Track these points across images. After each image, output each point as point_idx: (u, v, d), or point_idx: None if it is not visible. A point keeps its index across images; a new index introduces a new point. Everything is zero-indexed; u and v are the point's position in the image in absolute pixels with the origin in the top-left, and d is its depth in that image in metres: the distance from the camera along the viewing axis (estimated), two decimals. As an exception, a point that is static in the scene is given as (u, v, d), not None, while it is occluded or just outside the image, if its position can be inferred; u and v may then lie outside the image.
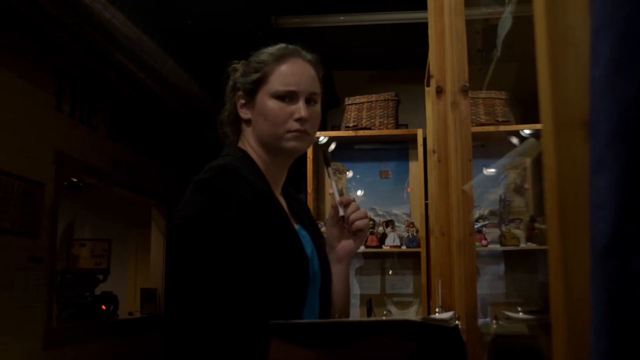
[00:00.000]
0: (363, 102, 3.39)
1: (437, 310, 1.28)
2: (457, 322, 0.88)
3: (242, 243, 0.97)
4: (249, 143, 1.16)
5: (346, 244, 1.18)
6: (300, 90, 1.13)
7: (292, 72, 1.14)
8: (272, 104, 1.12)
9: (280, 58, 1.15)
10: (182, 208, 1.01)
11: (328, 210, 3.41)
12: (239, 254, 0.97)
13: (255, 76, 1.14)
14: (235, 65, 1.22)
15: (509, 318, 1.00)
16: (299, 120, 1.11)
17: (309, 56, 1.20)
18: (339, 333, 0.88)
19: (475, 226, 2.46)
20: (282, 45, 1.20)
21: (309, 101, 1.14)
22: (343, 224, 1.17)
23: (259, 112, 1.13)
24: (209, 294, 0.94)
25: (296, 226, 1.18)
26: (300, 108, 1.11)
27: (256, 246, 0.99)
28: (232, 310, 0.95)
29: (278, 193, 1.22)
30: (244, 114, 1.16)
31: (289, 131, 1.12)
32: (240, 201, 0.99)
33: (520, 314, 1.03)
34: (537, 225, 3.06)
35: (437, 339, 0.86)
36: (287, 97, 1.12)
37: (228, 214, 0.97)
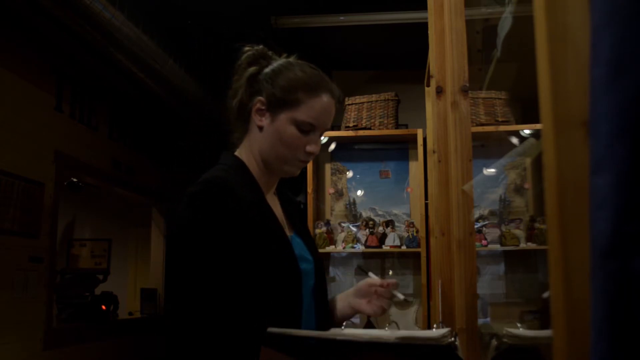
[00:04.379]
0: (363, 102, 3.39)
1: (434, 326, 1.29)
2: (452, 339, 0.88)
3: (230, 251, 1.02)
4: (251, 148, 1.17)
5: (362, 306, 1.25)
6: (321, 126, 1.16)
7: (321, 109, 1.15)
8: (292, 131, 1.13)
9: (314, 90, 1.15)
10: (176, 219, 1.06)
11: (328, 210, 3.41)
12: (228, 261, 1.01)
13: (285, 95, 1.13)
14: (255, 51, 1.19)
15: (511, 336, 0.99)
16: (310, 153, 1.15)
17: (337, 92, 1.21)
18: (331, 348, 0.90)
19: (475, 226, 2.46)
20: (316, 72, 1.19)
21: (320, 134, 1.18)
22: (369, 297, 1.24)
23: (276, 130, 1.13)
24: (199, 298, 0.99)
25: (289, 230, 1.19)
26: (315, 143, 1.15)
27: (245, 253, 1.03)
28: (221, 314, 1.00)
29: (272, 193, 1.24)
30: (259, 120, 1.15)
31: (296, 159, 1.15)
32: (227, 212, 1.03)
33: (521, 329, 1.02)
34: (537, 225, 3.06)
35: (430, 357, 0.87)
36: (308, 129, 1.14)
37: (215, 224, 1.02)
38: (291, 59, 1.22)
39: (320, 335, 0.94)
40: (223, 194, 1.05)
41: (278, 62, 1.19)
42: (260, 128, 1.15)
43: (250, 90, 1.16)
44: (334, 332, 0.94)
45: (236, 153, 1.19)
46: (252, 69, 1.17)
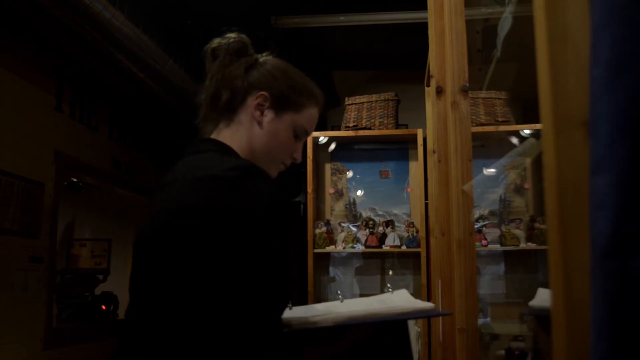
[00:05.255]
0: (363, 102, 3.39)
1: (389, 288, 1.21)
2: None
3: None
4: (241, 141, 1.07)
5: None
6: (308, 136, 1.18)
7: (315, 119, 1.15)
8: (289, 135, 1.10)
9: (315, 98, 1.14)
10: (240, 199, 0.90)
11: (328, 210, 3.41)
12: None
13: (293, 97, 1.10)
14: (243, 39, 1.12)
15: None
16: (293, 160, 1.14)
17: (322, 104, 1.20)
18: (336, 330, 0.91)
19: (475, 226, 2.46)
20: (319, 90, 1.17)
21: None
22: None
23: (277, 129, 1.08)
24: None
25: None
26: (299, 151, 1.15)
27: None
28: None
29: None
30: (258, 115, 1.08)
31: (281, 162, 1.13)
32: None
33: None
34: (537, 225, 3.06)
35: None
36: (301, 136, 1.13)
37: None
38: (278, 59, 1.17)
39: (334, 321, 0.94)
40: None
41: (273, 60, 1.14)
42: (259, 124, 1.08)
43: (246, 82, 1.09)
44: (334, 317, 0.95)
45: (212, 138, 1.08)
46: (248, 59, 1.11)
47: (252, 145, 1.08)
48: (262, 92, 1.08)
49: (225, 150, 1.04)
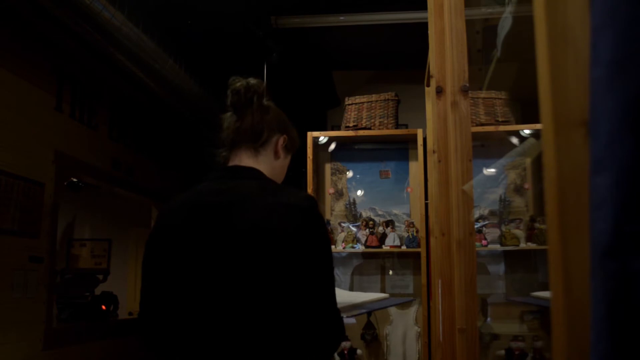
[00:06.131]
0: (363, 102, 3.39)
1: None
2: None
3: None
4: (265, 167, 1.35)
5: None
6: None
7: None
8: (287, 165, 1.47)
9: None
10: (314, 224, 1.23)
11: (328, 210, 3.41)
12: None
13: (296, 143, 1.45)
14: (260, 84, 1.39)
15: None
16: None
17: None
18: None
19: (475, 226, 2.46)
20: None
21: None
22: None
23: (285, 165, 1.43)
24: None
25: None
26: None
27: None
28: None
29: None
30: (280, 153, 1.39)
31: None
32: None
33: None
34: (537, 225, 3.06)
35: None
36: None
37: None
38: None
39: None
40: None
41: (272, 104, 1.41)
42: (278, 158, 1.39)
43: (272, 125, 1.38)
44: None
45: (254, 167, 1.34)
46: (269, 102, 1.39)
47: (272, 173, 1.36)
48: (284, 136, 1.39)
49: (269, 179, 1.32)
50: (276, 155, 1.37)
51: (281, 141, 1.37)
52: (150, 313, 1.23)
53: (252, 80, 1.35)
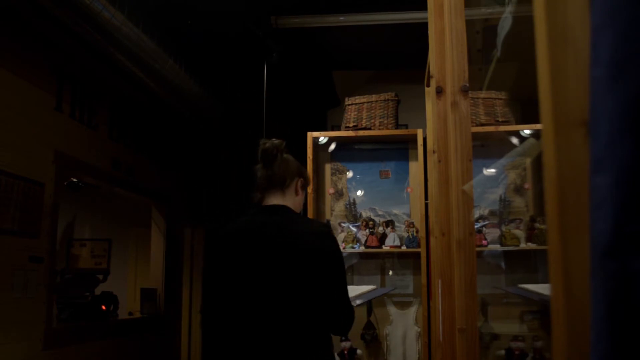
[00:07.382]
0: (363, 102, 3.39)
1: None
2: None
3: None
4: (291, 204, 1.81)
5: None
6: None
7: None
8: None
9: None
10: (332, 244, 1.71)
11: (328, 210, 3.41)
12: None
13: (308, 182, 1.92)
14: (283, 143, 1.85)
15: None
16: None
17: None
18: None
19: (475, 226, 2.46)
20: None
21: None
22: None
23: (302, 198, 1.88)
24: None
25: None
26: None
27: None
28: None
29: None
30: (299, 191, 1.85)
31: None
32: None
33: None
34: (537, 225, 3.06)
35: None
36: None
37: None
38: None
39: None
40: None
41: (289, 155, 1.85)
42: (297, 195, 1.85)
43: (292, 172, 1.82)
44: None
45: (283, 204, 1.78)
46: (287, 155, 1.84)
47: (294, 206, 1.83)
48: (301, 179, 1.85)
49: (294, 212, 1.80)
50: (296, 193, 1.85)
51: (299, 183, 1.85)
52: (214, 312, 1.64)
53: (276, 141, 1.80)
